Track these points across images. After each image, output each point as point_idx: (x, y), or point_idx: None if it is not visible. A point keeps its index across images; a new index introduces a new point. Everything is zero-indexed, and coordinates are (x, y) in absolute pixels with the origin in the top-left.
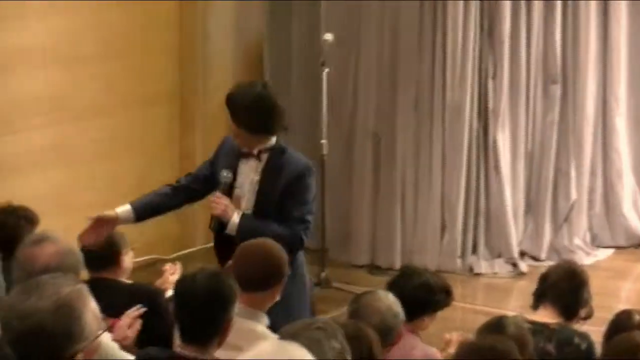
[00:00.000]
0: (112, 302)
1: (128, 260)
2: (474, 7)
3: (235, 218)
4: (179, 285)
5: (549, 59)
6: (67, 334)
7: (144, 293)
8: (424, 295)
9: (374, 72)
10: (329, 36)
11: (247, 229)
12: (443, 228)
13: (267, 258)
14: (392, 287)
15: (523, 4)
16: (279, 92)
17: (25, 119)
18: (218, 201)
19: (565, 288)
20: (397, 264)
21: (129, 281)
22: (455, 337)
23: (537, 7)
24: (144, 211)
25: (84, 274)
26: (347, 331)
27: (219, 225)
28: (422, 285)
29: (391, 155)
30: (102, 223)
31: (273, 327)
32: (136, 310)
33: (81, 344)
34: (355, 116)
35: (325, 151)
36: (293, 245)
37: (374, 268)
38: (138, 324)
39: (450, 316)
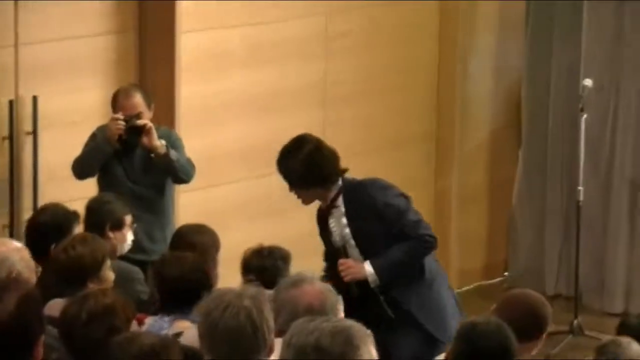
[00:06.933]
0: None
1: None
2: None
3: (369, 269)
4: (463, 330)
5: None
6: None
7: None
8: None
9: (633, 118)
10: (588, 82)
11: (386, 271)
12: None
13: (531, 308)
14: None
15: None
16: (535, 135)
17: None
18: (345, 266)
19: None
20: None
21: None
22: None
23: None
24: None
25: None
26: None
27: (358, 287)
28: None
29: None
30: None
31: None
32: None
33: None
34: (612, 163)
35: (581, 197)
36: (427, 247)
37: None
38: None
39: None
